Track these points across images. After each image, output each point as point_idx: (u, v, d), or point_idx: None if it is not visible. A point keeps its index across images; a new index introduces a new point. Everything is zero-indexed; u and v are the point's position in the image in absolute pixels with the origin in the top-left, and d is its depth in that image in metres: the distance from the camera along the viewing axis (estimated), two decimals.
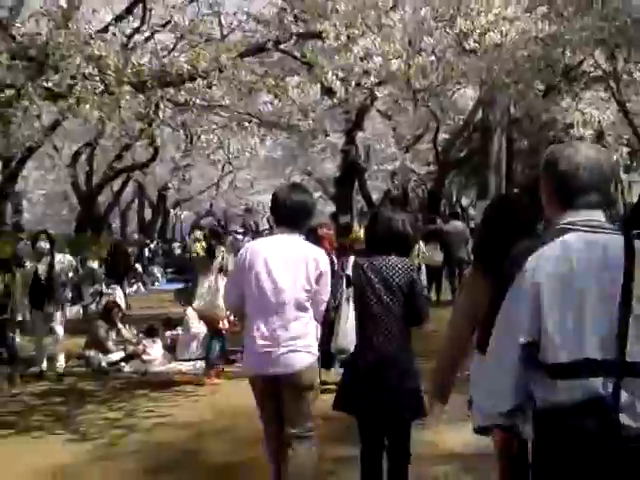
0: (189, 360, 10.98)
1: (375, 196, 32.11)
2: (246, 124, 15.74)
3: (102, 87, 8.65)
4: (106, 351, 11.17)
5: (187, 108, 13.83)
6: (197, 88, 13.96)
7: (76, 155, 33.17)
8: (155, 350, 11.14)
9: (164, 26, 12.81)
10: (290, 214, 4.99)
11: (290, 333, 4.81)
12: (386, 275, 4.82)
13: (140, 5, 12.68)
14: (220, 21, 13.95)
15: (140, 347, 11.14)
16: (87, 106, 8.56)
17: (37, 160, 36.05)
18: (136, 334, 11.80)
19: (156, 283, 27.33)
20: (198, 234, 27.65)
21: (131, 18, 14.71)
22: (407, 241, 5.05)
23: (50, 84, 8.74)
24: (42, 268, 10.91)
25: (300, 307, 4.86)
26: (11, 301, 10.55)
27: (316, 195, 33.83)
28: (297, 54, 12.74)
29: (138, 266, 26.09)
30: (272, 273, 4.86)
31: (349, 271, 4.95)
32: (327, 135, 29.56)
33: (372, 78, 10.49)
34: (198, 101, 13.88)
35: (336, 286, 5.03)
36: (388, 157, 29.12)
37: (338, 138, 27.82)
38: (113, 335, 11.53)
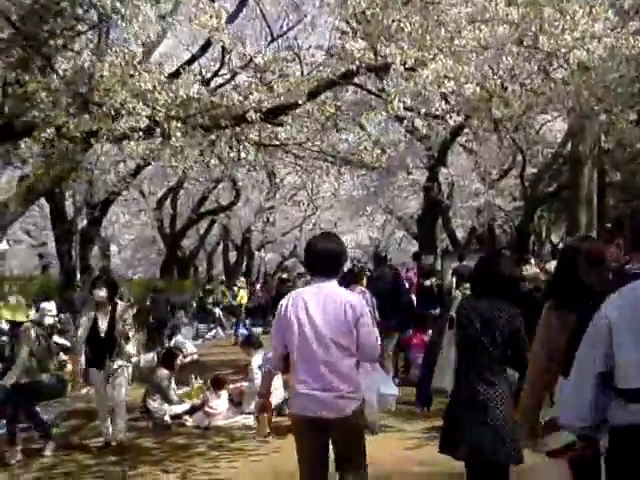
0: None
1: (460, 234, 30.87)
2: (321, 163, 15.16)
3: (147, 123, 7.80)
4: (169, 401, 10.39)
5: (262, 146, 13.33)
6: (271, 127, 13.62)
7: (161, 199, 33.38)
8: (220, 402, 10.30)
9: (243, 67, 12.12)
10: (322, 262, 5.11)
11: (335, 378, 4.87)
12: (488, 318, 4.83)
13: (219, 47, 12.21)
14: (299, 57, 13.21)
15: (204, 398, 10.34)
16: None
17: (124, 205, 36.61)
18: (202, 385, 11.02)
19: (234, 327, 26.52)
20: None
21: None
22: (511, 283, 5.09)
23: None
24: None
25: (343, 351, 4.92)
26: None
27: (399, 234, 32.91)
28: (372, 88, 11.91)
29: (217, 310, 25.43)
30: (313, 319, 4.93)
31: (453, 312, 5.03)
32: (409, 173, 28.87)
33: (450, 104, 9.55)
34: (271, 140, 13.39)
35: (439, 326, 5.18)
36: (472, 193, 27.86)
37: (420, 175, 26.98)
38: (174, 384, 10.75)
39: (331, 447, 5.11)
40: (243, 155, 13.40)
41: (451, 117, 9.66)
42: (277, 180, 36.60)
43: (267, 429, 5.92)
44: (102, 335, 9.20)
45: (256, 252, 40.70)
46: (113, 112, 8.17)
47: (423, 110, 9.10)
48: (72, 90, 8.69)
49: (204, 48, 13.18)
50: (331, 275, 5.14)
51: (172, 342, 17.27)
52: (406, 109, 9.19)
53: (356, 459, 5.07)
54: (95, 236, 29.42)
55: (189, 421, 10.24)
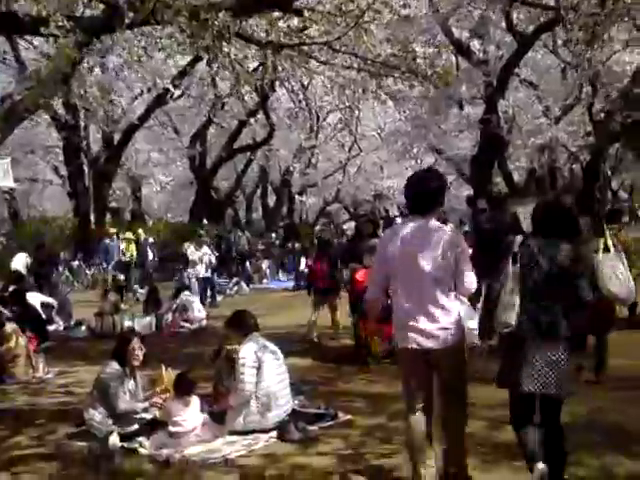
0: (248, 433, 6.42)
1: (515, 178, 26.72)
2: (357, 76, 11.44)
3: None
4: (115, 415, 6.74)
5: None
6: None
7: (194, 137, 29.97)
8: (189, 414, 6.61)
9: None
10: (420, 198, 5.00)
11: (438, 310, 4.83)
12: (552, 255, 4.80)
13: None
14: None
15: (167, 408, 6.64)
16: None
17: (160, 143, 33.37)
18: (163, 389, 7.15)
19: (264, 280, 22.95)
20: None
21: None
22: (574, 225, 5.05)
23: None
24: None
25: (443, 286, 4.84)
26: None
27: (450, 177, 28.90)
28: None
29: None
30: (413, 254, 4.86)
31: (516, 249, 4.93)
32: (462, 107, 24.79)
33: None
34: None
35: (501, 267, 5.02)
36: (534, 131, 23.69)
37: (474, 111, 23.08)
38: (129, 386, 7.10)
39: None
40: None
41: None
42: (320, 119, 32.96)
43: None
44: None
45: (297, 196, 36.97)
46: None
47: None
48: None
49: None
50: (429, 211, 4.99)
51: (177, 301, 13.74)
52: None
53: (459, 391, 5.00)
54: (113, 173, 26.35)
55: (144, 445, 6.54)
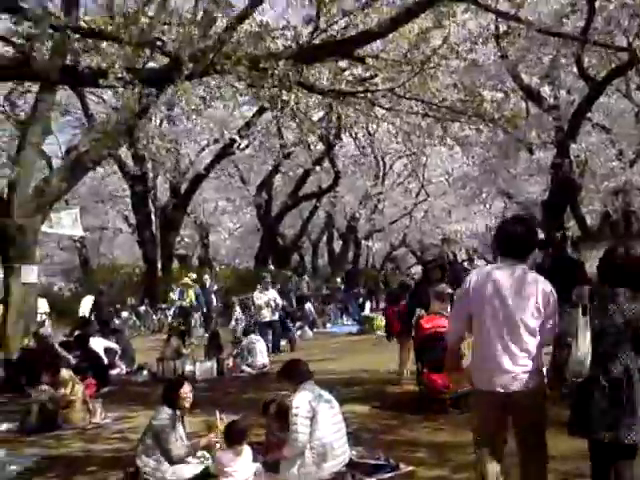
0: None
1: (588, 221, 25.90)
2: (422, 122, 11.22)
3: None
4: (170, 459, 6.47)
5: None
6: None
7: (261, 186, 30.20)
8: (241, 465, 6.22)
9: None
10: (518, 246, 5.03)
11: (524, 355, 4.79)
12: (622, 307, 4.73)
13: None
14: None
15: (218, 459, 6.32)
16: None
17: (227, 192, 33.77)
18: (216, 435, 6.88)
19: (327, 325, 22.55)
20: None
21: None
22: None
23: None
24: None
25: (530, 332, 4.82)
26: None
27: None
28: None
29: (308, 305, 21.37)
30: (503, 298, 4.85)
31: (586, 300, 4.82)
32: (532, 152, 24.25)
33: None
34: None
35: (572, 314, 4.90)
36: (607, 175, 23.00)
37: (544, 155, 22.49)
38: (180, 432, 6.83)
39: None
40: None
41: None
42: (387, 166, 32.81)
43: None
44: None
45: (363, 241, 36.67)
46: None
47: None
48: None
49: None
50: (522, 258, 5.01)
51: (243, 343, 13.55)
52: None
53: (540, 435, 4.89)
54: (180, 221, 26.67)
55: None
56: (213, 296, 20.86)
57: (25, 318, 13.98)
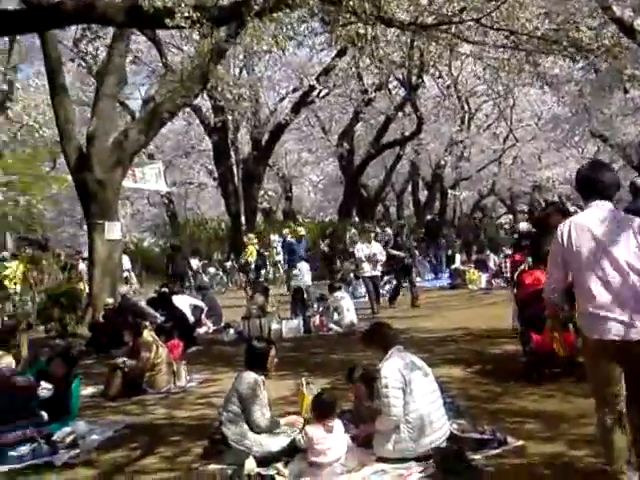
0: (400, 461, 5.46)
1: None
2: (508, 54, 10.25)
3: None
4: (255, 427, 6.03)
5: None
6: None
7: (342, 135, 29.38)
8: (333, 441, 5.58)
9: None
10: (604, 188, 4.81)
11: (634, 300, 4.52)
12: None
13: None
14: None
15: (307, 435, 5.79)
16: None
17: (309, 143, 33.18)
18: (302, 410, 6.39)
19: (417, 279, 21.46)
20: None
21: None
22: None
23: None
24: None
25: (638, 272, 4.55)
26: None
27: (615, 165, 26.64)
28: None
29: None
30: (601, 242, 4.64)
31: None
32: (626, 91, 22.62)
33: None
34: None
35: None
36: None
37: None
38: (264, 399, 6.26)
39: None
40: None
41: None
42: (469, 106, 31.40)
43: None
44: None
45: (449, 190, 35.48)
46: None
47: None
48: None
49: None
50: (612, 196, 4.82)
51: (329, 300, 13.02)
52: None
53: None
54: (262, 174, 26.24)
55: (283, 475, 5.61)
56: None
57: (110, 276, 13.85)
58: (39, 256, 15.74)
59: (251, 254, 19.38)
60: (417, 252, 20.20)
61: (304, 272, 14.81)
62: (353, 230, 21.41)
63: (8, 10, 9.91)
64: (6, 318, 11.83)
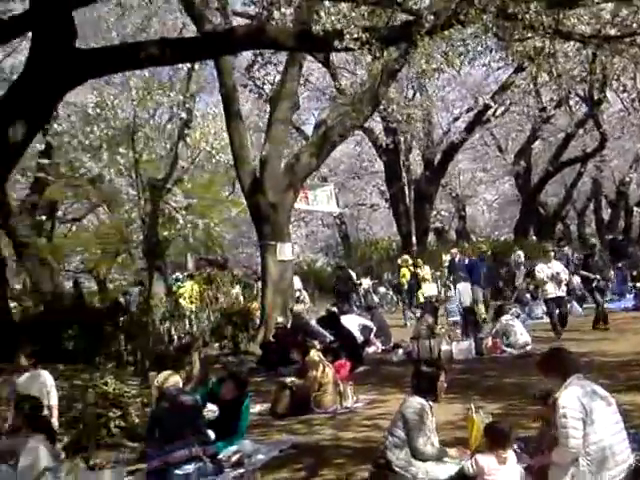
0: None
1: None
2: None
3: None
4: (419, 455, 5.65)
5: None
6: None
7: (519, 153, 28.49)
8: (506, 474, 5.11)
9: None
10: None
11: None
12: None
13: None
14: None
15: (479, 464, 5.38)
16: None
17: (483, 162, 32.50)
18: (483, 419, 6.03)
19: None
20: None
21: None
22: None
23: None
24: None
25: None
26: None
27: None
28: None
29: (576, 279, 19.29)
30: None
31: None
32: None
33: None
34: None
35: None
36: None
37: None
38: (431, 425, 5.86)
39: None
40: None
41: None
42: None
43: None
44: None
45: (635, 208, 33.41)
46: None
47: None
48: None
49: None
50: None
51: (497, 326, 12.44)
52: None
53: None
54: (434, 194, 25.89)
55: None
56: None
57: (282, 295, 14.09)
58: (215, 275, 16.32)
59: (403, 276, 19.20)
60: (612, 273, 18.89)
61: (463, 293, 14.35)
62: (518, 252, 20.46)
63: (185, 38, 10.36)
64: (182, 335, 12.31)
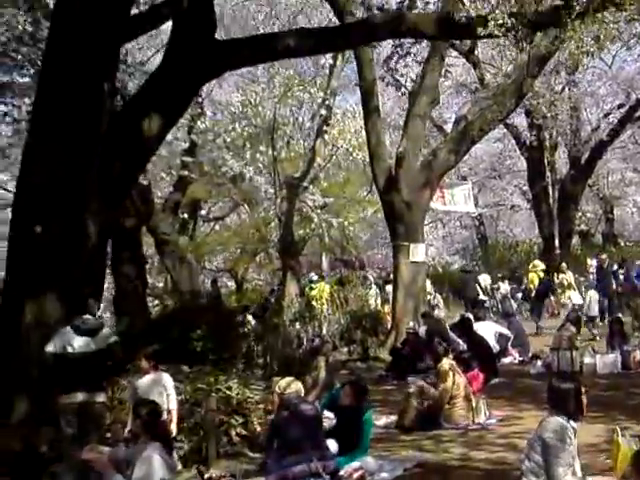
0: None
1: None
2: None
3: None
4: None
5: None
6: None
7: None
8: None
9: None
10: None
11: None
12: None
13: None
14: None
15: None
16: None
17: (634, 162, 30.65)
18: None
19: None
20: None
21: None
22: None
23: None
24: None
25: None
26: None
27: None
28: None
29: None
30: None
31: None
32: None
33: None
34: None
35: None
36: None
37: None
38: (573, 452, 5.19)
39: None
40: None
41: None
42: None
43: None
44: None
45: None
46: None
47: None
48: None
49: None
50: None
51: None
52: None
53: None
54: (580, 194, 24.45)
55: None
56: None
57: (413, 299, 13.59)
58: (347, 277, 16.06)
59: (531, 281, 18.22)
60: None
61: (591, 301, 13.52)
62: None
63: (321, 28, 10.13)
64: (312, 338, 12.07)
